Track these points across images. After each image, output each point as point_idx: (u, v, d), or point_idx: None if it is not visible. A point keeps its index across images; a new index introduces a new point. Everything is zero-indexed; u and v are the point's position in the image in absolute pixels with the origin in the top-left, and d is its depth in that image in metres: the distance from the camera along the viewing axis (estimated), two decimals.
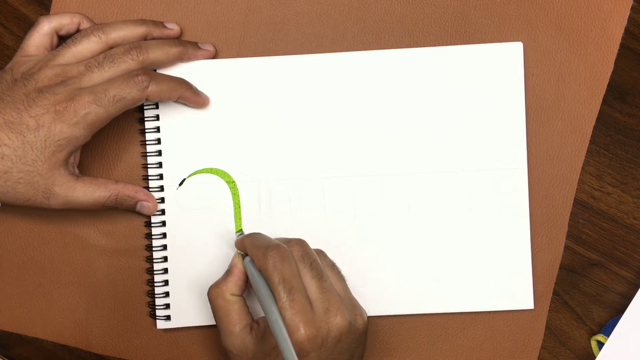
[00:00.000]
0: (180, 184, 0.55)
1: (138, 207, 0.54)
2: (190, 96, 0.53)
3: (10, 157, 0.48)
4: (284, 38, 0.56)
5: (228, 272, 0.51)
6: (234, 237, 0.55)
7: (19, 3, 0.57)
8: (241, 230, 0.55)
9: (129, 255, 0.56)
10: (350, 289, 0.52)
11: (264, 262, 0.48)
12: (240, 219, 0.55)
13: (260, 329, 0.49)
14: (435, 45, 0.55)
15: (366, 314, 0.51)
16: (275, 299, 0.47)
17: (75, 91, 0.49)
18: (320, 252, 0.52)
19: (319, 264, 0.50)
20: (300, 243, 0.50)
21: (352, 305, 0.50)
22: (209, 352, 0.56)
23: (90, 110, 0.49)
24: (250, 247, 0.50)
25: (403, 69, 0.55)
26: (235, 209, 0.55)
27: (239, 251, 0.52)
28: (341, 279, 0.52)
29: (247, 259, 0.51)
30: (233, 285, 0.50)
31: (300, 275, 0.48)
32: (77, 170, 0.52)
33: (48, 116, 0.48)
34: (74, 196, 0.51)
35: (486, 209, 0.55)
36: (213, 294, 0.50)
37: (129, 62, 0.51)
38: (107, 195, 0.52)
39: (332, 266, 0.52)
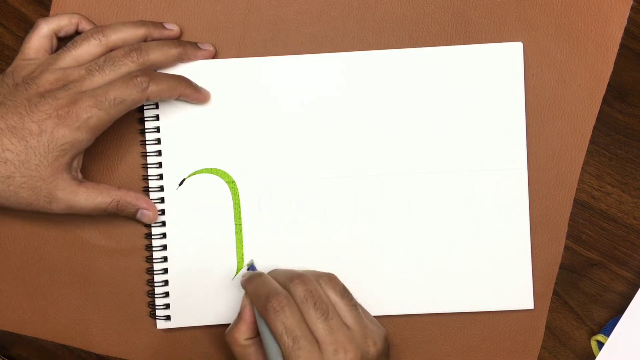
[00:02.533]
0: (180, 184, 0.55)
1: (138, 215, 0.54)
2: (190, 93, 0.53)
3: (13, 162, 0.48)
4: (284, 38, 0.56)
5: (240, 317, 0.51)
6: (233, 237, 0.55)
7: (19, 3, 0.57)
8: (252, 264, 0.54)
9: (129, 255, 0.56)
10: (350, 289, 0.53)
11: (265, 313, 0.48)
12: (240, 218, 0.55)
13: None
14: (435, 45, 0.55)
15: (383, 332, 0.50)
16: (281, 349, 0.47)
17: (76, 95, 0.49)
18: (330, 279, 0.51)
19: (323, 302, 0.48)
20: (302, 281, 0.49)
21: (364, 334, 0.49)
22: (209, 352, 0.56)
23: (92, 114, 0.49)
24: (252, 295, 0.50)
25: (403, 69, 0.55)
26: (235, 209, 0.55)
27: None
28: (352, 307, 0.50)
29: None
30: (246, 329, 0.50)
31: (305, 318, 0.47)
32: (80, 175, 0.52)
33: (50, 121, 0.48)
34: (75, 201, 0.51)
35: (486, 209, 0.55)
36: (229, 340, 0.51)
37: (129, 65, 0.51)
38: (108, 201, 0.52)
39: (342, 294, 0.50)
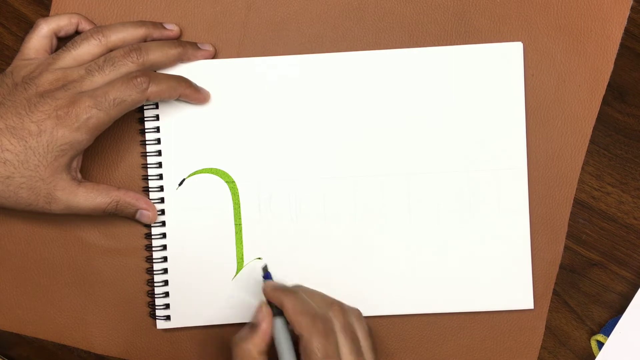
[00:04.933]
0: (180, 184, 0.55)
1: (138, 216, 0.54)
2: (190, 94, 0.53)
3: (12, 162, 0.48)
4: (284, 38, 0.56)
5: (255, 327, 0.48)
6: (233, 237, 0.55)
7: (19, 3, 0.57)
8: (266, 269, 0.53)
9: (129, 255, 0.56)
10: (351, 290, 0.53)
11: (309, 333, 0.46)
12: (240, 218, 0.55)
13: None
14: (435, 45, 0.55)
15: None
16: None
17: (76, 96, 0.49)
18: (359, 317, 0.51)
19: (357, 337, 0.49)
20: (342, 310, 0.49)
21: None
22: (209, 352, 0.56)
23: (91, 115, 0.49)
24: (292, 311, 0.47)
25: (403, 69, 0.55)
26: (235, 209, 0.55)
27: (266, 303, 0.50)
28: (373, 349, 0.50)
29: (281, 321, 0.48)
30: (260, 342, 0.48)
31: (339, 347, 0.47)
32: (79, 175, 0.52)
33: (50, 121, 0.48)
34: (75, 201, 0.51)
35: (486, 209, 0.55)
36: (241, 352, 0.48)
37: (129, 65, 0.51)
38: (108, 201, 0.52)
39: (368, 336, 0.50)
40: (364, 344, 0.49)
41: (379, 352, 0.55)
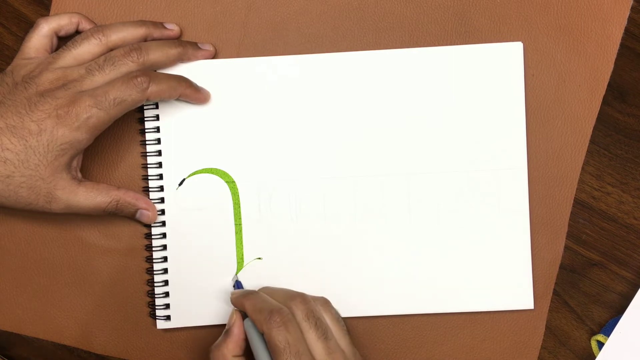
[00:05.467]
0: (180, 184, 0.55)
1: (138, 215, 0.54)
2: (191, 93, 0.53)
3: (12, 161, 0.48)
4: (284, 38, 0.56)
5: (228, 333, 0.50)
6: (233, 237, 0.55)
7: (19, 3, 0.57)
8: (237, 279, 0.54)
9: (129, 255, 0.56)
10: (350, 290, 0.53)
11: (268, 328, 0.47)
12: (240, 218, 0.55)
13: None
14: (435, 45, 0.55)
15: None
16: None
17: (76, 95, 0.49)
18: (325, 303, 0.52)
19: (323, 322, 0.49)
20: (303, 300, 0.50)
21: (356, 359, 0.50)
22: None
23: (91, 114, 0.49)
24: (252, 310, 0.49)
25: (403, 69, 0.55)
26: (235, 209, 0.55)
27: (236, 309, 0.51)
28: (345, 333, 0.50)
29: (248, 321, 0.50)
30: (234, 346, 0.50)
31: (305, 337, 0.48)
32: (79, 175, 0.52)
33: (50, 121, 0.48)
34: (75, 200, 0.51)
35: (486, 209, 0.55)
36: (216, 357, 0.50)
37: (129, 65, 0.51)
38: (108, 200, 0.52)
39: (337, 320, 0.51)
40: (334, 328, 0.50)
41: (379, 351, 0.55)
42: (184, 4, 0.56)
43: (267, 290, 0.53)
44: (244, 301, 0.50)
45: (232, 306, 0.52)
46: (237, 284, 0.54)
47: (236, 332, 0.50)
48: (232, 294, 0.52)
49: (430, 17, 0.56)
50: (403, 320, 0.55)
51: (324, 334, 0.48)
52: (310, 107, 0.55)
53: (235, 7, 0.56)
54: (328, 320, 0.50)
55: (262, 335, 0.49)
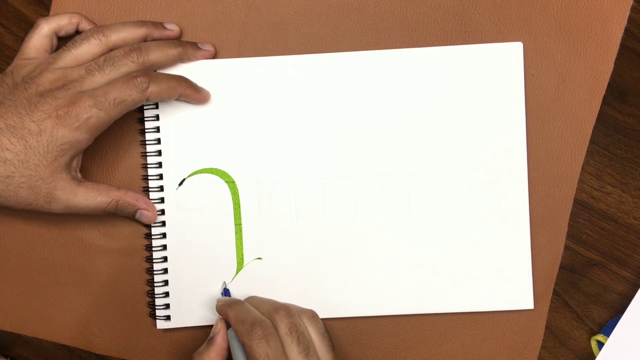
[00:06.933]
0: (180, 184, 0.55)
1: (137, 215, 0.54)
2: (190, 94, 0.53)
3: (12, 161, 0.48)
4: (284, 38, 0.56)
5: (211, 341, 0.50)
6: (233, 237, 0.55)
7: (19, 3, 0.57)
8: (226, 288, 0.54)
9: (129, 255, 0.56)
10: (350, 290, 0.52)
11: (249, 340, 0.47)
12: (240, 218, 0.55)
13: None
14: (435, 45, 0.55)
15: None
16: None
17: (76, 95, 0.49)
18: (312, 317, 0.51)
19: (306, 338, 0.49)
20: (288, 314, 0.49)
21: None
22: None
23: (91, 115, 0.49)
24: (234, 321, 0.49)
25: (403, 69, 0.55)
26: (235, 209, 0.55)
27: (221, 317, 0.52)
28: (329, 349, 0.50)
29: (231, 331, 0.50)
30: (216, 355, 0.50)
31: (286, 351, 0.47)
32: (79, 175, 0.52)
33: (50, 121, 0.48)
34: (75, 201, 0.51)
35: (486, 209, 0.55)
36: None
37: (129, 65, 0.51)
38: (108, 201, 0.52)
39: (323, 335, 0.50)
40: (319, 344, 0.50)
41: (379, 351, 0.55)
42: (184, 4, 0.56)
43: (253, 300, 0.53)
44: (228, 310, 0.50)
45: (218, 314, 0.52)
46: (225, 292, 0.54)
47: (219, 341, 0.50)
48: (218, 301, 0.52)
49: (431, 17, 0.56)
50: (403, 320, 0.55)
51: (306, 349, 0.48)
52: (310, 107, 0.55)
53: (235, 7, 0.56)
54: (313, 334, 0.50)
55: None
